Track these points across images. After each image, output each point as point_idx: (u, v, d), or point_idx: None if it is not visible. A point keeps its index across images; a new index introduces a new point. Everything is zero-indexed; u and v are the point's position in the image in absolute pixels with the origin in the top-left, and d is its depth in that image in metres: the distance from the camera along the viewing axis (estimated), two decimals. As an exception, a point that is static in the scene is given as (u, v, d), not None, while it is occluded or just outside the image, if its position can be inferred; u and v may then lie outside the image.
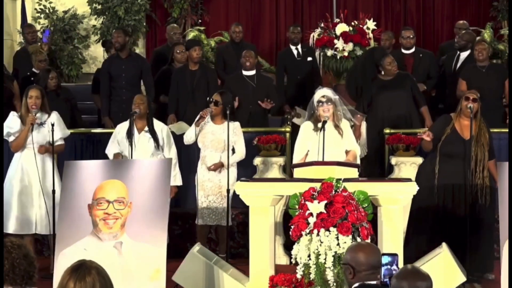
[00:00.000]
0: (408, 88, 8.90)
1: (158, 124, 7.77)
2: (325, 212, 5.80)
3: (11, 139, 7.65)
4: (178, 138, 8.24)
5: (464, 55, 9.68)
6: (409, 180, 6.52)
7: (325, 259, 5.71)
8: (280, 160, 8.42)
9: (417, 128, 8.68)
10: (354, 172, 6.38)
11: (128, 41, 9.91)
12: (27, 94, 7.64)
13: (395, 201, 6.15)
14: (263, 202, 6.23)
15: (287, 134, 8.79)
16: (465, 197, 7.00)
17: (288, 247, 7.41)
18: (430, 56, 10.24)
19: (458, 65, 9.67)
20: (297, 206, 5.99)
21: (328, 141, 6.75)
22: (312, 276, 5.77)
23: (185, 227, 8.43)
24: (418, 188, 6.19)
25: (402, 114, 8.83)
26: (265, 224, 6.22)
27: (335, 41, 10.93)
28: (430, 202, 7.12)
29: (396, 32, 11.32)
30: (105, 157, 7.77)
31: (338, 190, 5.92)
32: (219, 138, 7.80)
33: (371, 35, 11.15)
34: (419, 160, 8.19)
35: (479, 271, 7.08)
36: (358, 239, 5.72)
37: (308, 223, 5.83)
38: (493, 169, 6.92)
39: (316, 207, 5.83)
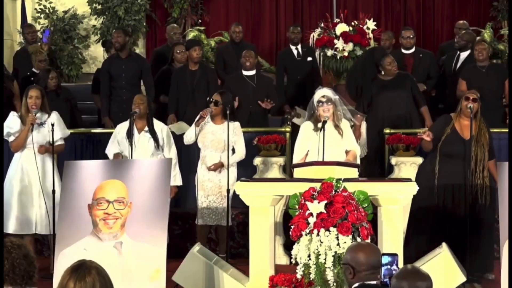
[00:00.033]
0: (408, 88, 8.90)
1: (158, 124, 7.77)
2: (325, 212, 5.80)
3: (11, 139, 7.65)
4: (178, 138, 8.24)
5: (464, 55, 9.68)
6: (409, 180, 6.51)
7: (325, 259, 5.71)
8: (280, 160, 8.42)
9: (417, 128, 8.68)
10: (354, 172, 6.38)
11: (128, 41, 9.91)
12: (27, 94, 7.65)
13: (395, 201, 6.15)
14: (263, 202, 6.23)
15: (287, 134, 8.79)
16: (465, 197, 7.00)
17: (288, 247, 7.41)
18: (430, 56, 10.24)
19: (458, 65, 9.68)
20: (297, 206, 5.99)
21: (328, 141, 6.75)
22: (312, 276, 5.77)
23: (185, 227, 8.43)
24: (418, 188, 6.19)
25: (402, 114, 8.83)
26: (265, 224, 6.22)
27: (335, 41, 10.93)
28: (430, 202, 7.12)
29: (396, 32, 11.32)
30: (105, 157, 7.77)
31: (338, 190, 5.92)
32: (219, 138, 7.80)
33: (371, 35, 11.15)
34: (419, 160, 8.19)
35: (479, 271, 7.08)
36: (358, 239, 5.72)
37: (308, 223, 5.83)
38: (493, 169, 6.92)
39: (316, 207, 5.83)
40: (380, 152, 8.83)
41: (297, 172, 6.44)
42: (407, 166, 8.28)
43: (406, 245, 6.73)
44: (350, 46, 10.88)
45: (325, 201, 5.83)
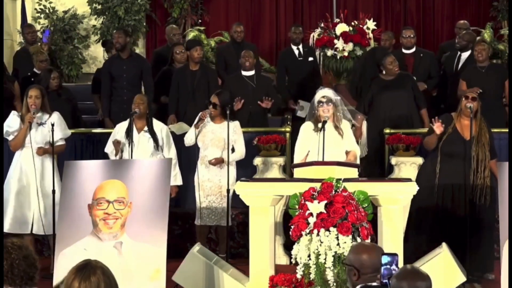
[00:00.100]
0: (409, 88, 8.89)
1: (157, 124, 7.78)
2: (325, 212, 5.80)
3: (10, 138, 7.67)
4: (178, 138, 8.25)
5: (465, 55, 9.68)
6: (409, 180, 6.52)
7: (325, 259, 5.71)
8: (280, 160, 8.43)
9: (417, 128, 8.68)
10: (354, 172, 6.38)
11: (129, 41, 9.91)
12: (27, 94, 7.66)
13: (395, 201, 6.15)
14: (263, 202, 6.23)
15: (287, 134, 8.79)
16: (465, 197, 7.00)
17: (288, 247, 7.41)
18: (431, 56, 10.24)
19: (460, 65, 9.67)
20: (297, 206, 5.99)
21: (328, 141, 6.76)
22: (312, 276, 5.77)
23: (185, 227, 8.43)
24: (418, 188, 6.19)
25: (403, 114, 8.83)
26: (265, 224, 6.22)
27: (335, 41, 10.92)
28: (430, 202, 7.11)
29: (396, 32, 11.32)
30: (105, 157, 7.78)
31: (338, 190, 5.92)
32: (219, 137, 7.81)
33: (371, 35, 11.15)
34: (419, 160, 8.19)
35: (479, 271, 7.08)
36: (358, 239, 5.72)
37: (308, 223, 5.83)
38: (495, 169, 6.91)
39: (316, 207, 5.83)
40: (380, 152, 8.83)
41: (297, 172, 6.44)
42: (407, 166, 8.28)
43: (406, 245, 6.72)
44: (350, 46, 10.88)
45: (325, 201, 5.83)
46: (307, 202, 5.88)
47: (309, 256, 5.76)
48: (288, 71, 10.40)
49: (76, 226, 6.29)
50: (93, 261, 3.20)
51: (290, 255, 6.08)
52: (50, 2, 12.83)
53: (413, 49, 10.13)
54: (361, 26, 11.12)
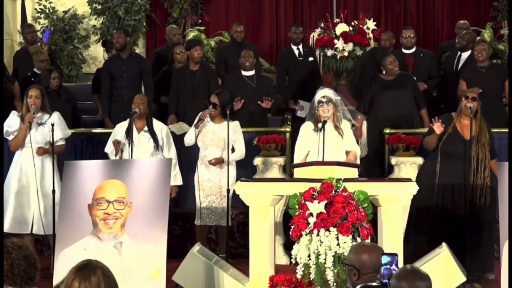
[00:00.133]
0: (409, 88, 8.89)
1: (157, 124, 7.78)
2: (325, 212, 5.80)
3: (10, 138, 7.67)
4: (178, 138, 8.25)
5: (465, 55, 9.68)
6: (409, 180, 6.52)
7: (325, 259, 5.71)
8: (280, 160, 8.43)
9: (417, 128, 8.68)
10: (354, 172, 6.38)
11: (129, 41, 9.90)
12: (27, 94, 7.66)
13: (395, 201, 6.15)
14: (263, 202, 6.23)
15: (287, 134, 8.79)
16: (465, 197, 7.00)
17: (288, 247, 7.41)
18: (431, 56, 10.25)
19: (460, 65, 9.67)
20: (297, 206, 5.99)
21: (328, 141, 6.76)
22: (312, 276, 5.77)
23: (185, 227, 8.43)
24: (418, 188, 6.19)
25: (404, 114, 8.82)
26: (265, 224, 6.22)
27: (335, 41, 10.92)
28: (430, 202, 7.11)
29: (396, 32, 11.32)
30: (105, 157, 7.78)
31: (338, 190, 5.92)
32: (219, 137, 7.81)
33: (371, 35, 11.15)
34: (419, 160, 8.19)
35: (479, 271, 7.08)
36: (358, 239, 5.72)
37: (308, 223, 5.83)
38: (495, 169, 6.91)
39: (316, 207, 5.83)
40: (380, 152, 8.83)
41: (297, 172, 6.44)
42: (407, 166, 8.28)
43: (406, 245, 6.72)
44: (350, 46, 10.88)
45: (325, 201, 5.83)
46: (307, 202, 5.88)
47: (309, 256, 5.76)
48: (288, 71, 10.39)
49: (76, 226, 6.29)
50: (93, 261, 3.20)
51: (290, 255, 6.08)
52: (50, 2, 12.83)
53: (413, 49, 10.14)
54: (361, 26, 11.12)
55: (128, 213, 6.29)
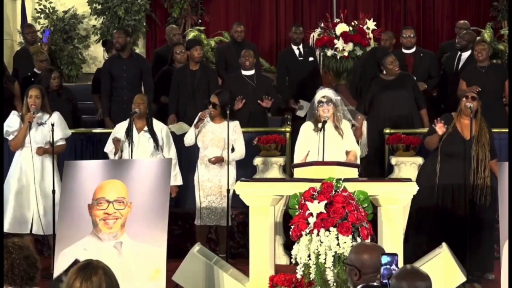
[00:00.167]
0: (410, 88, 8.89)
1: (157, 124, 7.78)
2: (325, 212, 5.80)
3: (10, 138, 7.67)
4: (178, 138, 8.25)
5: (465, 55, 9.68)
6: (409, 180, 6.52)
7: (325, 259, 5.71)
8: (280, 160, 8.43)
9: (418, 129, 8.68)
10: (354, 172, 6.38)
11: (129, 41, 9.90)
12: (28, 94, 7.66)
13: (395, 201, 6.15)
14: (263, 202, 6.23)
15: (287, 134, 8.79)
16: (465, 197, 7.00)
17: (288, 247, 7.41)
18: (431, 56, 10.25)
19: (460, 65, 9.68)
20: (297, 206, 5.99)
21: (328, 141, 6.76)
22: (312, 276, 5.77)
23: (185, 227, 8.43)
24: (418, 188, 6.19)
25: (404, 114, 8.82)
26: (265, 224, 6.22)
27: (335, 41, 10.92)
28: (430, 202, 7.12)
29: (396, 32, 11.32)
30: (105, 157, 7.78)
31: (338, 190, 5.92)
32: (219, 137, 7.81)
33: (371, 35, 11.15)
34: (419, 160, 8.19)
35: (479, 271, 7.08)
36: (358, 239, 5.72)
37: (308, 223, 5.83)
38: (495, 169, 6.91)
39: (316, 207, 5.83)
40: (380, 152, 8.83)
41: (297, 172, 6.44)
42: (407, 166, 8.28)
43: (406, 245, 6.72)
44: (350, 46, 10.88)
45: (325, 201, 5.83)
46: (307, 202, 5.88)
47: (309, 256, 5.76)
48: (288, 71, 10.39)
49: (76, 226, 6.29)
50: (94, 261, 3.20)
51: (290, 255, 6.08)
52: (50, 2, 12.84)
53: (413, 49, 10.14)
54: (361, 26, 11.12)
55: (128, 213, 6.29)
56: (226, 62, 10.41)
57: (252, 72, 9.38)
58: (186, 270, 6.42)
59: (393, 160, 8.36)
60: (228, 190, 7.56)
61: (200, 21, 12.98)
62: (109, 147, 7.76)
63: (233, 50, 10.41)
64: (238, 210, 8.17)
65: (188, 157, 8.35)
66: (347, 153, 7.11)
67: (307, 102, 8.73)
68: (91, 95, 10.29)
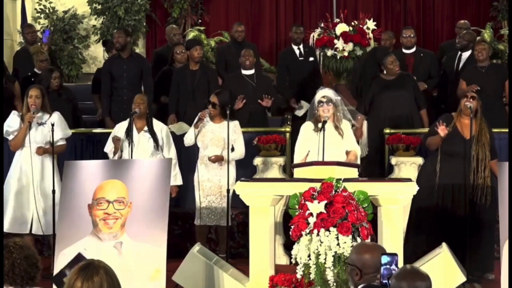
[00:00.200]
0: (410, 88, 8.90)
1: (157, 124, 7.78)
2: (325, 212, 5.80)
3: (10, 138, 7.67)
4: (178, 138, 8.25)
5: (465, 55, 9.68)
6: (409, 180, 6.52)
7: (325, 259, 5.71)
8: (280, 160, 8.43)
9: (418, 128, 8.68)
10: (354, 172, 6.38)
11: (129, 41, 9.91)
12: (28, 94, 7.66)
13: (395, 201, 6.15)
14: (263, 202, 6.23)
15: (287, 134, 8.79)
16: (465, 197, 7.00)
17: (288, 247, 7.41)
18: (431, 56, 10.25)
19: (461, 65, 9.68)
20: (297, 206, 5.99)
21: (328, 141, 6.76)
22: (312, 276, 5.77)
23: (185, 227, 8.43)
24: (418, 188, 6.19)
25: (404, 114, 8.83)
26: (265, 224, 6.22)
27: (335, 41, 10.92)
28: (430, 202, 7.12)
29: (396, 32, 11.32)
30: (105, 157, 7.78)
31: (338, 190, 5.92)
32: (218, 136, 7.81)
33: (371, 35, 11.15)
34: (419, 160, 8.19)
35: (479, 271, 7.08)
36: (358, 239, 5.72)
37: (308, 223, 5.83)
38: (495, 169, 6.91)
39: (316, 207, 5.83)
40: (380, 152, 8.83)
41: (297, 172, 6.44)
42: (407, 166, 8.28)
43: (406, 245, 6.73)
44: (350, 46, 10.88)
45: (325, 201, 5.83)
46: (307, 202, 5.88)
47: (309, 256, 5.76)
48: (288, 71, 10.39)
49: (76, 226, 6.29)
50: (96, 261, 3.21)
51: (290, 255, 6.08)
52: (50, 2, 12.84)
53: (413, 49, 10.14)
54: (361, 26, 11.12)
55: (128, 213, 6.28)
56: (227, 62, 10.40)
57: (252, 71, 9.38)
58: (186, 270, 6.42)
59: (393, 160, 8.36)
60: (228, 190, 7.55)
61: (200, 21, 12.98)
62: (109, 147, 7.76)
63: (233, 50, 10.41)
64: (238, 210, 8.17)
65: (188, 157, 8.35)
66: (348, 153, 7.10)
67: (308, 103, 8.72)
68: (91, 95, 10.29)
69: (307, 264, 5.77)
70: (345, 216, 5.79)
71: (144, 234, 6.24)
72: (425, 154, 8.09)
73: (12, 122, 7.67)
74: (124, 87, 9.45)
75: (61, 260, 6.17)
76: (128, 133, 7.59)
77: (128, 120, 7.71)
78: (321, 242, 5.73)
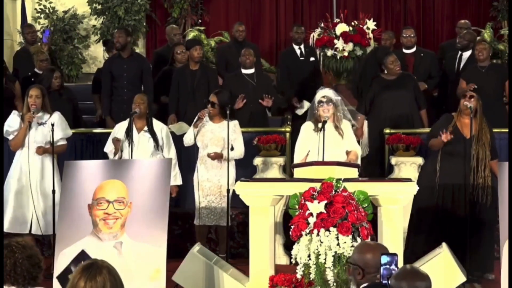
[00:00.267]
0: (410, 88, 8.90)
1: (157, 124, 7.78)
2: (325, 212, 5.80)
3: (10, 137, 7.68)
4: (178, 138, 8.25)
5: (466, 55, 9.68)
6: (409, 180, 6.52)
7: (325, 259, 5.71)
8: (280, 160, 8.43)
9: (418, 129, 8.68)
10: (354, 172, 6.38)
11: (130, 41, 9.91)
12: (28, 94, 7.66)
13: (395, 201, 6.15)
14: (263, 202, 6.23)
15: (287, 134, 8.79)
16: (465, 197, 7.00)
17: (288, 247, 7.42)
18: (431, 56, 10.25)
19: (461, 65, 9.67)
20: (297, 206, 6.00)
21: (328, 141, 6.76)
22: (312, 276, 5.77)
23: (185, 227, 8.43)
24: (418, 188, 6.20)
25: (405, 114, 8.82)
26: (265, 224, 6.22)
27: (335, 41, 10.92)
28: (430, 202, 7.12)
29: (396, 32, 11.33)
30: (105, 157, 7.78)
31: (338, 190, 5.92)
32: (218, 136, 7.81)
33: (371, 35, 11.15)
34: (419, 160, 8.19)
35: (479, 271, 7.08)
36: (358, 239, 5.72)
37: (308, 223, 5.84)
38: (496, 169, 6.91)
39: (316, 207, 5.83)
40: (380, 152, 8.83)
41: (297, 172, 6.44)
42: (407, 166, 8.28)
43: (406, 245, 6.73)
44: (350, 46, 10.88)
45: (325, 201, 5.83)
46: (307, 202, 5.88)
47: (309, 256, 5.77)
48: (289, 71, 10.39)
49: (76, 226, 6.29)
50: (99, 260, 3.21)
51: (290, 255, 6.08)
52: (50, 2, 12.84)
53: (414, 49, 10.14)
54: (361, 26, 11.13)
55: (128, 213, 6.29)
56: (227, 61, 10.41)
57: (252, 70, 9.38)
58: (186, 270, 6.43)
59: (393, 160, 8.36)
60: (228, 190, 7.55)
61: (200, 21, 12.99)
62: (109, 147, 7.76)
63: (234, 49, 10.41)
64: (238, 210, 8.17)
65: (188, 157, 8.35)
66: (348, 153, 7.10)
67: (309, 103, 8.72)
68: (91, 95, 10.30)
69: (307, 264, 5.77)
70: (345, 216, 5.79)
71: (144, 234, 6.24)
72: (425, 154, 8.09)
73: (12, 122, 7.67)
74: (124, 87, 9.45)
75: (61, 260, 6.18)
76: (128, 133, 7.59)
77: (128, 120, 7.71)
78: (321, 242, 5.73)
